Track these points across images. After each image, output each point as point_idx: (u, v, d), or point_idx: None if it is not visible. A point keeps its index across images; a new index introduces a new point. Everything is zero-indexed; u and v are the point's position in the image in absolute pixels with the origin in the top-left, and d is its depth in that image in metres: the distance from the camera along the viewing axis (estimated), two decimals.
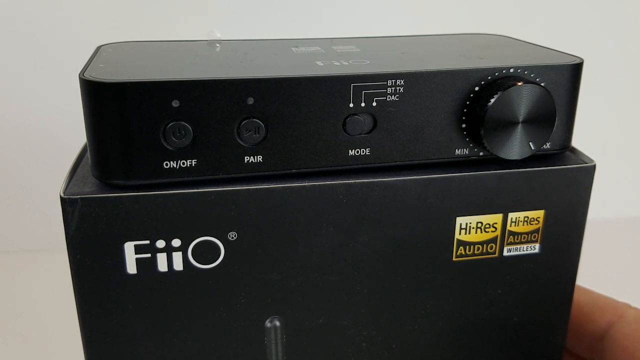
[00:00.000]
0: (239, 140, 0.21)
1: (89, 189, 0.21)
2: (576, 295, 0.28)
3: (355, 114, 0.22)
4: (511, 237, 0.24)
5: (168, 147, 0.21)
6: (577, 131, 0.25)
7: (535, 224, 0.24)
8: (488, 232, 0.24)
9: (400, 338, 0.25)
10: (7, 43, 0.47)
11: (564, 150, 0.25)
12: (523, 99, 0.22)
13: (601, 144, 0.55)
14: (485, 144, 0.22)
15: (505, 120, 0.22)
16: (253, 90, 0.21)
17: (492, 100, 0.22)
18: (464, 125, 0.23)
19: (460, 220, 0.24)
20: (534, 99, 0.22)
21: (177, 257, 0.22)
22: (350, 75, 0.21)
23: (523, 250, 0.25)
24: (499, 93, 0.22)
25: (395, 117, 0.22)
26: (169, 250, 0.22)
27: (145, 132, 0.20)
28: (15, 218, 0.52)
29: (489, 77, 0.22)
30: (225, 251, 0.22)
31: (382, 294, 0.24)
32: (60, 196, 0.21)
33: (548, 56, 0.25)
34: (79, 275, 0.22)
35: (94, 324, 0.22)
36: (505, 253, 0.25)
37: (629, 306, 0.27)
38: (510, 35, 0.30)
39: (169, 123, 0.20)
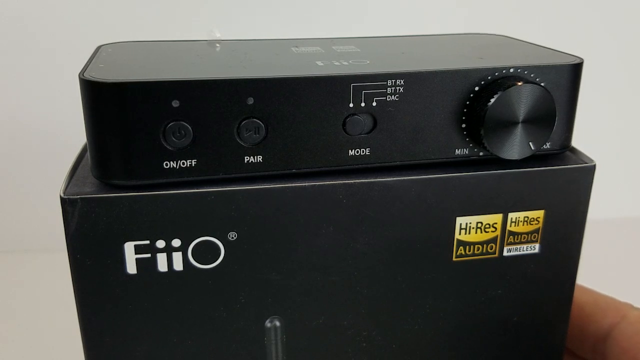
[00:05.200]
0: (239, 140, 0.21)
1: (89, 189, 0.21)
2: (578, 295, 0.28)
3: (355, 114, 0.22)
4: (511, 237, 0.24)
5: (168, 147, 0.21)
6: (577, 131, 0.25)
7: (535, 224, 0.24)
8: (488, 232, 0.24)
9: (400, 338, 0.25)
10: (7, 43, 0.47)
11: (564, 150, 0.25)
12: (523, 99, 0.22)
13: (601, 144, 0.55)
14: (485, 144, 0.22)
15: (505, 120, 0.22)
16: (253, 90, 0.21)
17: (492, 100, 0.22)
18: (464, 125, 0.23)
19: (460, 220, 0.24)
20: (534, 99, 0.22)
21: (177, 257, 0.22)
22: (350, 75, 0.21)
23: (523, 250, 0.25)
24: (499, 93, 0.22)
25: (395, 117, 0.22)
26: (169, 250, 0.22)
27: (145, 132, 0.20)
28: (15, 218, 0.52)
29: (489, 77, 0.22)
30: (225, 251, 0.22)
31: (382, 293, 0.24)
32: (60, 196, 0.21)
33: (548, 56, 0.25)
34: (79, 275, 0.22)
35: (94, 324, 0.22)
36: (505, 253, 0.25)
37: (631, 306, 0.27)
38: (510, 35, 0.30)
39: (169, 123, 0.20)
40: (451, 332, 0.25)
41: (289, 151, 0.22)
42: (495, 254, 0.25)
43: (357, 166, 0.23)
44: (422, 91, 0.22)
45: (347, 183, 0.22)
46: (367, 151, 0.22)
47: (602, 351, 0.27)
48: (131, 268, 0.22)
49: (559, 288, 0.26)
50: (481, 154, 0.23)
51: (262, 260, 0.23)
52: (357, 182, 0.22)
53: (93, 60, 0.23)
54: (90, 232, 0.21)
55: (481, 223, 0.24)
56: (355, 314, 0.24)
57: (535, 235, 0.25)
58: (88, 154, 0.21)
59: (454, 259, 0.24)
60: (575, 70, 0.23)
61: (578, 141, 0.25)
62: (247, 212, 0.22)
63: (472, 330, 0.26)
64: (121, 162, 0.21)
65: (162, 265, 0.22)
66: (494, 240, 0.24)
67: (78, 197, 0.21)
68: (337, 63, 0.23)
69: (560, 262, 0.25)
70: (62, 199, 0.21)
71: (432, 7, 0.51)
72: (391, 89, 0.22)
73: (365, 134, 0.22)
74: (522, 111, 0.22)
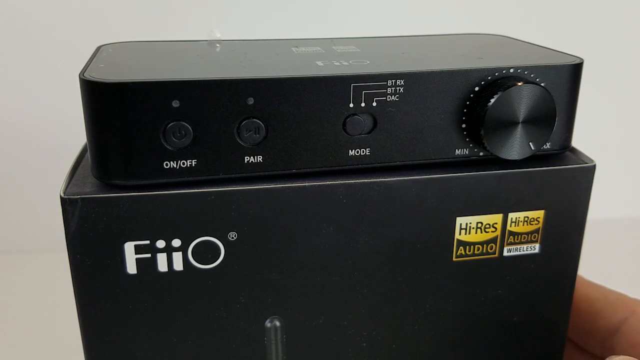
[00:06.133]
0: (239, 140, 0.21)
1: (89, 189, 0.21)
2: (588, 291, 0.28)
3: (355, 114, 0.22)
4: (511, 237, 0.24)
5: (168, 147, 0.21)
6: (577, 131, 0.25)
7: (535, 224, 0.24)
8: (488, 232, 0.24)
9: (400, 338, 0.25)
10: (7, 43, 0.47)
11: (564, 150, 0.25)
12: (523, 99, 0.22)
13: (601, 144, 0.55)
14: (485, 144, 0.22)
15: (505, 120, 0.22)
16: (253, 90, 0.21)
17: (492, 100, 0.22)
18: (464, 125, 0.23)
19: (460, 220, 0.24)
20: (534, 99, 0.22)
21: (177, 257, 0.22)
22: (350, 75, 0.21)
23: (523, 251, 0.25)
24: (499, 93, 0.22)
25: (395, 117, 0.22)
26: (169, 250, 0.22)
27: (145, 132, 0.20)
28: (15, 218, 0.52)
29: (489, 77, 0.22)
30: (225, 251, 0.22)
31: (382, 294, 0.24)
32: (60, 196, 0.21)
33: (548, 56, 0.25)
34: (79, 275, 0.22)
35: (94, 324, 0.22)
36: (505, 253, 0.25)
37: None
38: (510, 35, 0.30)
39: (169, 123, 0.20)
40: (451, 332, 0.25)
41: (289, 151, 0.22)
42: (495, 254, 0.25)
43: (357, 166, 0.23)
44: (422, 91, 0.22)
45: (347, 183, 0.22)
46: (367, 151, 0.22)
47: (610, 346, 0.27)
48: (131, 268, 0.22)
49: (559, 288, 0.26)
50: (481, 154, 0.23)
51: (262, 260, 0.23)
52: (357, 182, 0.22)
53: (93, 60, 0.23)
54: (90, 232, 0.21)
55: (481, 223, 0.24)
56: (355, 314, 0.24)
57: (535, 235, 0.25)
58: (88, 154, 0.21)
59: (454, 259, 0.24)
60: (575, 70, 0.23)
61: (578, 141, 0.25)
62: (247, 212, 0.22)
63: (472, 330, 0.26)
64: (121, 162, 0.21)
65: (162, 265, 0.22)
66: (494, 240, 0.24)
67: (78, 197, 0.21)
68: (337, 63, 0.23)
69: (560, 262, 0.25)
70: (62, 199, 0.21)
71: (431, 7, 0.51)
72: (391, 89, 0.22)
73: (366, 134, 0.22)
74: (522, 111, 0.22)
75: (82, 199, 0.21)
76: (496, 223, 0.24)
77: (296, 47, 0.26)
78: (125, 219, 0.21)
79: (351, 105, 0.22)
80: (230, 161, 0.21)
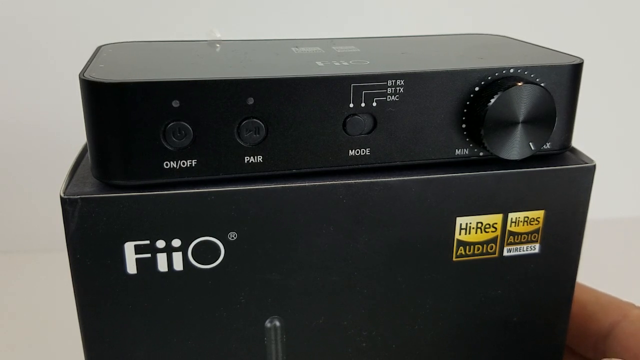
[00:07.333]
0: (239, 141, 0.21)
1: (89, 189, 0.21)
2: (580, 295, 0.28)
3: (355, 114, 0.22)
4: (511, 237, 0.24)
5: (168, 147, 0.21)
6: (577, 131, 0.25)
7: (535, 224, 0.24)
8: (488, 232, 0.24)
9: (400, 338, 0.25)
10: (7, 43, 0.47)
11: (564, 150, 0.25)
12: (523, 99, 0.22)
13: (601, 144, 0.55)
14: (485, 144, 0.22)
15: (505, 120, 0.22)
16: (253, 90, 0.21)
17: (492, 101, 0.22)
18: (464, 126, 0.23)
19: (460, 220, 0.24)
20: (534, 99, 0.22)
21: (177, 257, 0.22)
22: (350, 75, 0.21)
23: (523, 251, 0.25)
24: (499, 93, 0.22)
25: (395, 117, 0.22)
26: (169, 250, 0.22)
27: (145, 132, 0.20)
28: (15, 218, 0.52)
29: (489, 77, 0.22)
30: (225, 251, 0.22)
31: (382, 294, 0.24)
32: (60, 196, 0.21)
33: (548, 56, 0.25)
34: (79, 275, 0.22)
35: (94, 324, 0.22)
36: (505, 253, 0.25)
37: (633, 305, 0.27)
38: (510, 36, 0.30)
39: (169, 123, 0.20)
40: (451, 332, 0.25)
41: (289, 151, 0.22)
42: (495, 254, 0.25)
43: (357, 166, 0.23)
44: (422, 91, 0.22)
45: (347, 183, 0.22)
46: (367, 151, 0.22)
47: (602, 349, 0.27)
48: (131, 268, 0.22)
49: (559, 288, 0.26)
50: (481, 154, 0.23)
51: (262, 260, 0.23)
52: (357, 182, 0.22)
53: (93, 61, 0.23)
54: (90, 232, 0.21)
55: (481, 223, 0.24)
56: (355, 314, 0.24)
57: (535, 235, 0.25)
58: (88, 154, 0.21)
59: (454, 259, 0.24)
60: (575, 70, 0.23)
61: (578, 141, 0.25)
62: (247, 212, 0.22)
63: (472, 330, 0.26)
64: (121, 162, 0.21)
65: (162, 265, 0.22)
66: (494, 240, 0.24)
67: (78, 197, 0.21)
68: (337, 63, 0.23)
69: (560, 262, 0.25)
70: (62, 199, 0.21)
71: (432, 7, 0.51)
72: (391, 89, 0.22)
73: (366, 134, 0.22)
74: (522, 111, 0.22)
75: (82, 199, 0.21)
76: (496, 223, 0.24)
77: (296, 47, 0.26)
78: (125, 219, 0.21)
79: (351, 105, 0.22)
80: (230, 161, 0.21)
